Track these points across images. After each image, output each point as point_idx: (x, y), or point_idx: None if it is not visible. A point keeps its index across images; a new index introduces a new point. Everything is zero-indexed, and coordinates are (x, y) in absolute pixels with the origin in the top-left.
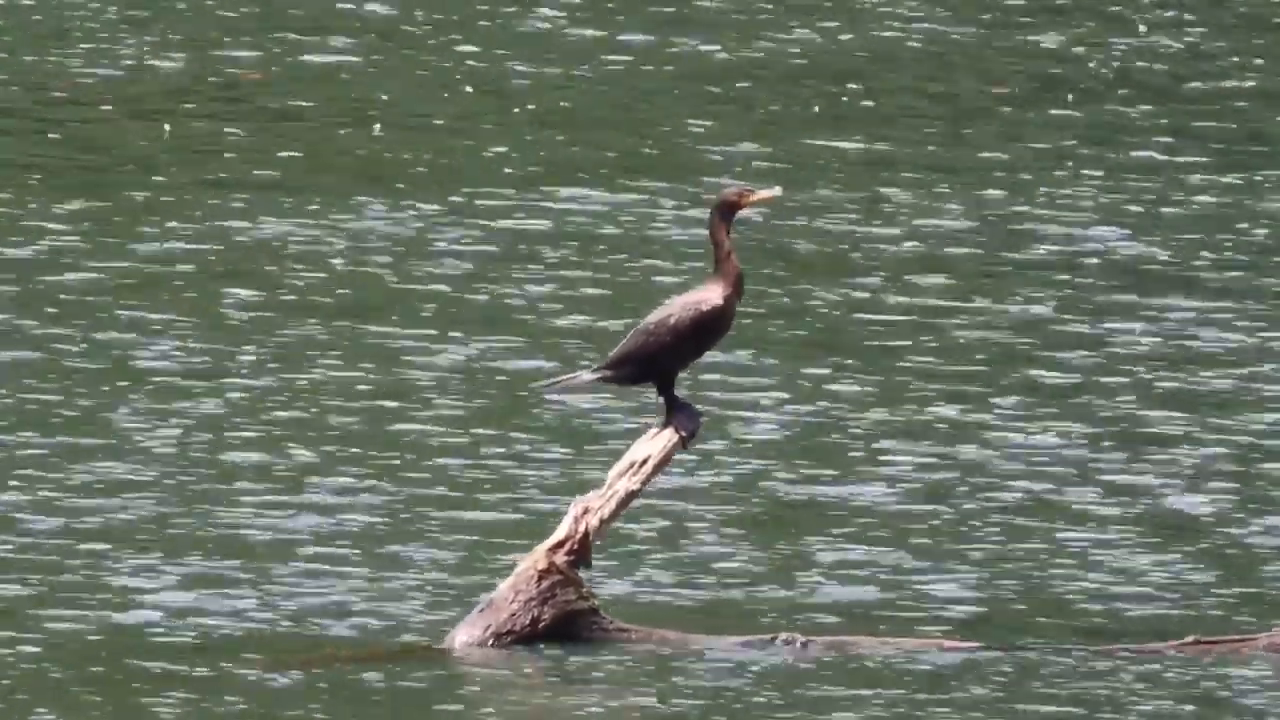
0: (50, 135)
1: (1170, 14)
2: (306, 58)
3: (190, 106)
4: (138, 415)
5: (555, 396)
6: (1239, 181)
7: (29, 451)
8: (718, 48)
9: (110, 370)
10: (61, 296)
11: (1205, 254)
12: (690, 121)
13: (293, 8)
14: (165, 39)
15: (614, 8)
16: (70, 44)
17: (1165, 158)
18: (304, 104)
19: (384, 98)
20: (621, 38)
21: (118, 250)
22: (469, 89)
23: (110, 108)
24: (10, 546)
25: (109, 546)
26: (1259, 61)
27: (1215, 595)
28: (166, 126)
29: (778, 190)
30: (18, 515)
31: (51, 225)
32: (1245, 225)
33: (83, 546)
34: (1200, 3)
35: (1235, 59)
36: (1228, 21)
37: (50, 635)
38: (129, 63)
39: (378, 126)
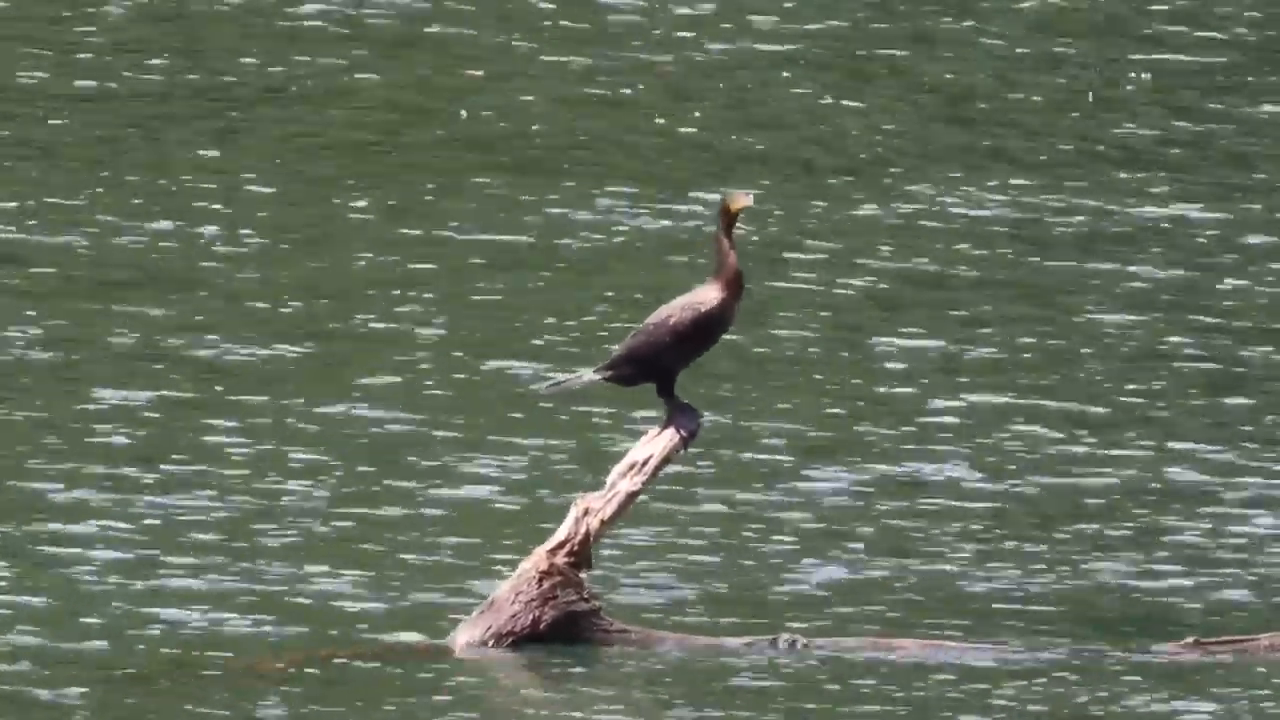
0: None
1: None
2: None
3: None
4: (134, 413)
5: (557, 396)
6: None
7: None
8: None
9: (112, 365)
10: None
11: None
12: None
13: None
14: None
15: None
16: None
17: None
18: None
19: (374, 87)
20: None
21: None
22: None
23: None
24: (9, 557)
25: (106, 546)
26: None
27: (1216, 596)
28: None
29: (748, 198)
30: (15, 517)
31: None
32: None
33: (79, 546)
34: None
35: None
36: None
37: (47, 638)
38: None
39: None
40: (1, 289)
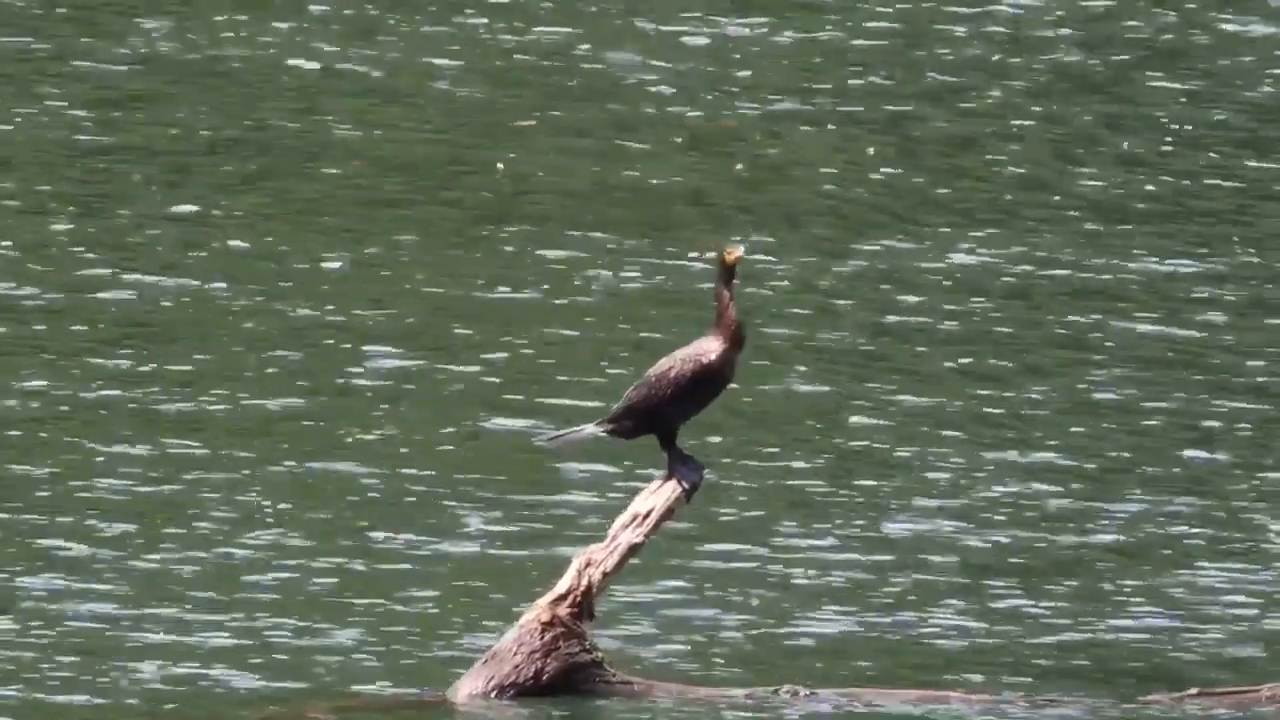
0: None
1: None
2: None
3: None
4: (128, 466)
5: (559, 449)
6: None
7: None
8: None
9: (113, 414)
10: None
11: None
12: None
13: None
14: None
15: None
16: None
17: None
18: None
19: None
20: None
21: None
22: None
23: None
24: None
25: (99, 599)
26: None
27: (1216, 647)
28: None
29: (740, 250)
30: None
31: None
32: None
33: (72, 599)
34: None
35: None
36: None
37: (37, 690)
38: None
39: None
40: None
